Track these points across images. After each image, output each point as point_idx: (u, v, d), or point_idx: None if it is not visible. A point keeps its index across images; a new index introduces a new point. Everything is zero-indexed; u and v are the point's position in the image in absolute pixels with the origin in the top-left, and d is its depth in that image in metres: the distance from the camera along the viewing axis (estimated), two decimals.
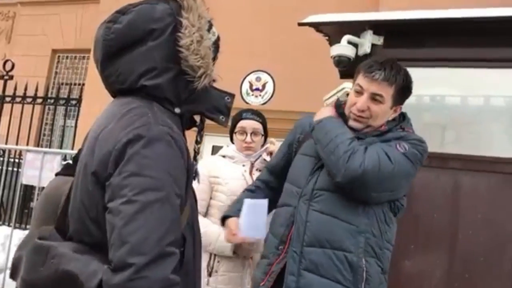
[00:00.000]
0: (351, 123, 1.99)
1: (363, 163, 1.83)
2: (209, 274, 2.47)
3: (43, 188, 3.87)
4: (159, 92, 1.28)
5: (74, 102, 7.28)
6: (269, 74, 6.72)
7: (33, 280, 1.20)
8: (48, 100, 7.43)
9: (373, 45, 3.18)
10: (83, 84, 8.25)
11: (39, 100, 7.21)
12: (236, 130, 2.68)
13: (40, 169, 4.61)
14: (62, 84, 9.22)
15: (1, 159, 6.55)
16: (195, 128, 1.42)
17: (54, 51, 10.39)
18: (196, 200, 1.40)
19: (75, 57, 10.27)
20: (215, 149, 5.85)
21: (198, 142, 1.39)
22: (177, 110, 1.32)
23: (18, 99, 7.12)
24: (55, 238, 1.27)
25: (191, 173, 1.29)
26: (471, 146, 3.04)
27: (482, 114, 3.09)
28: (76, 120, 7.39)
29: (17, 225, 5.46)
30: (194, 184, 1.34)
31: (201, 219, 2.48)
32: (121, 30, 1.27)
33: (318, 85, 5.10)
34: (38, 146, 8.57)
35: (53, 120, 7.74)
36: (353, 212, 1.89)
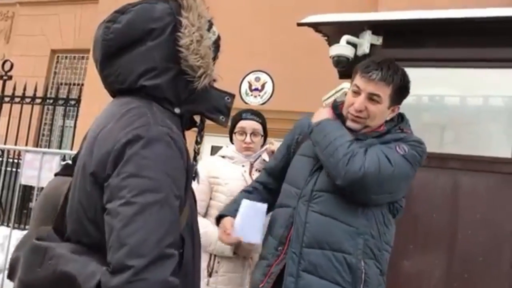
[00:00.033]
0: (349, 124, 1.99)
1: (363, 165, 1.82)
2: (209, 275, 2.46)
3: (42, 188, 3.87)
4: (158, 92, 1.27)
5: (73, 102, 7.27)
6: (268, 74, 6.72)
7: (30, 281, 1.19)
8: (47, 100, 7.42)
9: (372, 45, 3.18)
10: (82, 84, 8.25)
11: (38, 100, 7.19)
12: (235, 130, 2.67)
13: (39, 170, 4.60)
14: (61, 84, 9.20)
15: (0, 159, 6.54)
16: (194, 129, 1.41)
17: (53, 51, 10.38)
18: (195, 201, 1.39)
19: (74, 57, 10.27)
20: (214, 149, 5.85)
21: (198, 142, 1.38)
22: (176, 110, 1.31)
23: (17, 99, 7.11)
24: (52, 238, 1.26)
25: (191, 174, 1.28)
26: (470, 146, 3.04)
27: (481, 114, 3.10)
28: (75, 120, 7.39)
29: (16, 225, 5.46)
30: (194, 184, 1.34)
31: (201, 219, 2.47)
32: (120, 30, 1.26)
33: (317, 85, 5.10)
34: (37, 146, 8.56)
35: (52, 120, 7.73)
36: (352, 213, 1.89)
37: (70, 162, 1.55)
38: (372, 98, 1.93)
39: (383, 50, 3.16)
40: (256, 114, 2.71)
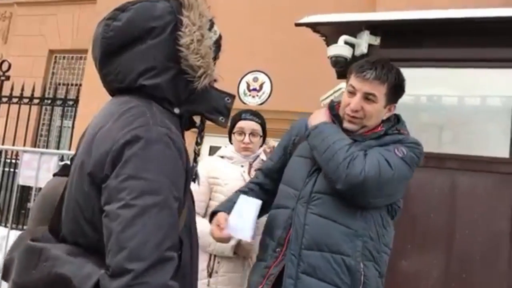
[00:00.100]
0: (346, 125, 1.98)
1: (363, 169, 1.81)
2: (209, 275, 2.46)
3: (40, 188, 3.86)
4: (158, 92, 1.26)
5: (71, 102, 7.26)
6: (266, 75, 6.72)
7: (24, 283, 1.17)
8: (45, 101, 7.41)
9: (369, 45, 3.19)
10: (80, 85, 8.24)
11: (36, 101, 7.18)
12: (234, 130, 2.67)
13: (37, 170, 4.59)
14: (59, 84, 9.18)
15: None
16: (194, 129, 1.39)
17: (51, 52, 10.37)
18: (193, 202, 1.38)
19: (72, 58, 10.26)
20: (212, 150, 5.85)
21: (198, 143, 1.37)
22: (176, 111, 1.29)
23: (15, 100, 7.09)
24: (47, 239, 1.25)
25: (190, 175, 1.27)
26: (468, 146, 3.05)
27: (479, 114, 3.11)
28: (73, 120, 7.38)
29: (13, 226, 5.44)
30: (194, 186, 1.33)
31: (200, 220, 2.48)
32: (120, 28, 1.24)
33: (315, 85, 5.11)
34: (35, 146, 8.54)
35: (50, 120, 7.71)
36: (351, 216, 1.88)
37: (68, 162, 1.54)
38: (367, 97, 1.93)
39: (381, 50, 3.17)
40: (255, 115, 2.71)
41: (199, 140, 1.37)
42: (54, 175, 1.58)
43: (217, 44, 1.36)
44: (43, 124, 9.38)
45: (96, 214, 1.15)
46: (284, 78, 6.40)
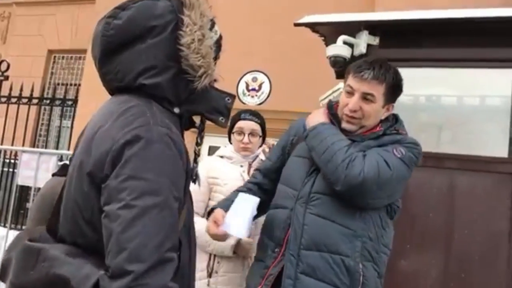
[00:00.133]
0: (344, 125, 1.98)
1: (363, 170, 1.81)
2: (209, 275, 2.45)
3: (39, 188, 3.86)
4: (158, 91, 1.25)
5: (70, 102, 7.26)
6: (265, 75, 6.72)
7: (22, 283, 1.16)
8: (44, 101, 7.40)
9: (368, 45, 3.19)
10: (79, 85, 8.24)
11: (35, 101, 7.17)
12: (234, 130, 2.67)
13: (36, 170, 4.59)
14: (58, 84, 9.18)
15: None
16: (193, 129, 1.39)
17: (50, 52, 10.37)
18: (192, 202, 1.37)
19: (71, 58, 10.26)
20: (211, 150, 5.85)
21: (198, 143, 1.36)
22: (176, 110, 1.28)
23: (13, 100, 7.09)
24: (45, 239, 1.24)
25: (190, 175, 1.26)
26: (467, 146, 3.05)
27: (478, 114, 3.11)
28: (72, 120, 7.38)
29: (12, 226, 5.44)
30: (193, 186, 1.32)
31: (199, 219, 2.47)
32: (120, 26, 1.24)
33: (314, 85, 5.11)
34: (34, 146, 8.54)
35: (49, 120, 7.70)
36: (350, 216, 1.88)
37: (67, 162, 1.54)
38: (366, 97, 1.93)
39: (379, 50, 3.17)
40: (254, 115, 2.71)
41: (199, 141, 1.36)
42: (53, 175, 1.58)
43: (218, 44, 1.35)
44: (42, 124, 9.37)
45: (95, 214, 1.15)
46: (283, 78, 6.40)
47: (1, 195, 6.71)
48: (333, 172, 1.86)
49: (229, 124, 2.63)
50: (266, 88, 6.72)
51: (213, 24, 1.33)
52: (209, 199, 2.57)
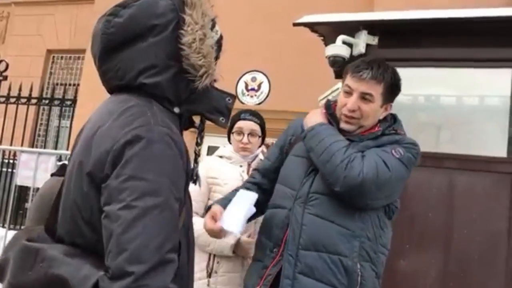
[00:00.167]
0: (343, 125, 1.98)
1: (362, 171, 1.81)
2: (209, 275, 2.45)
3: (37, 189, 3.86)
4: (158, 91, 1.24)
5: (69, 102, 7.26)
6: (264, 74, 6.72)
7: (20, 284, 1.15)
8: (43, 101, 7.40)
9: (367, 45, 3.19)
10: (78, 85, 8.23)
11: (34, 101, 7.17)
12: (233, 130, 2.67)
13: (35, 170, 4.59)
14: (57, 84, 9.18)
15: None
16: (192, 129, 1.38)
17: (49, 52, 10.36)
18: (191, 202, 1.37)
19: (70, 58, 10.26)
20: (210, 150, 5.85)
21: (198, 144, 1.35)
22: (176, 110, 1.28)
23: (12, 100, 7.08)
24: (43, 239, 1.22)
25: (189, 175, 1.26)
26: (466, 145, 3.05)
27: (477, 113, 3.11)
28: (71, 120, 7.37)
29: (11, 226, 5.43)
30: (193, 185, 1.32)
31: (199, 219, 2.47)
32: (121, 24, 1.23)
33: (313, 85, 5.11)
34: (32, 146, 8.53)
35: (47, 120, 7.69)
36: (348, 216, 1.88)
37: (66, 162, 1.54)
38: (364, 97, 1.93)
39: (378, 50, 3.17)
40: (254, 115, 2.71)
41: (199, 141, 1.35)
42: (52, 175, 1.58)
43: (218, 43, 1.34)
44: (41, 124, 9.36)
45: (95, 215, 1.14)
46: (282, 78, 6.40)
47: (0, 195, 6.70)
48: (332, 173, 1.85)
49: (228, 124, 2.63)
50: (265, 88, 6.72)
51: (214, 23, 1.32)
52: (209, 199, 2.56)
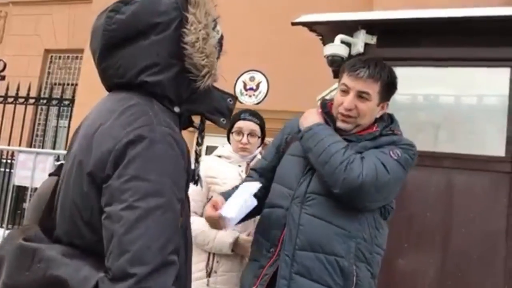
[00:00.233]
0: (339, 124, 1.97)
1: (361, 173, 1.81)
2: (208, 275, 2.45)
3: (36, 189, 3.85)
4: (159, 89, 1.22)
5: (67, 102, 7.24)
6: (263, 74, 6.72)
7: (16, 284, 1.12)
8: (41, 101, 7.38)
9: (366, 45, 3.19)
10: (76, 85, 8.22)
11: (32, 101, 7.16)
12: (233, 130, 2.67)
13: (33, 170, 4.59)
14: (55, 84, 9.17)
15: None
16: (191, 128, 1.37)
17: (47, 51, 10.34)
18: (189, 202, 1.35)
19: (68, 57, 10.24)
20: (209, 149, 5.84)
21: (199, 143, 1.34)
22: (176, 109, 1.27)
23: (10, 100, 7.07)
24: (40, 239, 1.20)
25: (190, 176, 1.25)
26: (465, 145, 3.06)
27: (476, 113, 3.11)
28: (69, 120, 7.36)
29: (9, 226, 5.42)
30: (193, 186, 1.31)
31: (198, 219, 2.47)
32: (123, 21, 1.21)
33: (312, 84, 5.11)
34: (30, 146, 8.52)
35: (45, 120, 7.70)
36: (345, 217, 1.88)
37: (64, 162, 1.53)
38: (361, 96, 1.93)
39: (377, 49, 3.17)
40: (254, 115, 2.70)
41: (199, 141, 1.35)
42: (50, 175, 1.57)
43: (219, 44, 1.33)
44: (39, 124, 9.35)
45: (95, 215, 1.12)
46: (281, 78, 6.40)
47: None
48: (331, 174, 1.85)
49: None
50: (263, 87, 6.72)
51: (215, 23, 1.31)
52: (207, 198, 2.56)
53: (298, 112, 2.15)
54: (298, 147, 2.01)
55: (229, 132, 2.71)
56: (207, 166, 2.61)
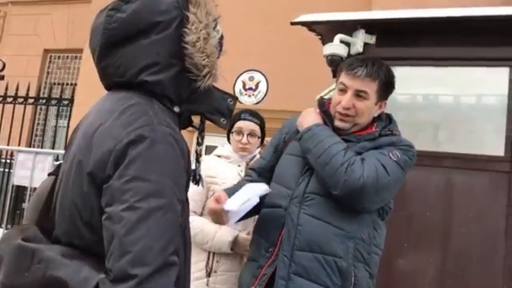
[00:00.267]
0: (337, 123, 1.97)
1: (362, 175, 1.81)
2: (208, 275, 2.45)
3: (35, 188, 3.84)
4: (159, 89, 1.22)
5: (66, 102, 7.23)
6: (262, 74, 6.72)
7: (15, 285, 1.11)
8: (40, 100, 7.38)
9: (365, 44, 3.19)
10: (75, 84, 8.22)
11: (31, 100, 7.14)
12: (233, 130, 2.67)
13: (32, 170, 4.58)
14: (54, 84, 9.15)
15: None
16: (189, 128, 1.37)
17: (46, 51, 10.33)
18: (188, 202, 1.35)
19: (67, 57, 10.23)
20: (208, 149, 5.84)
21: (199, 143, 1.34)
22: (176, 109, 1.26)
23: (9, 99, 7.06)
24: (39, 239, 1.19)
25: (190, 176, 1.24)
26: (464, 144, 3.06)
27: (475, 112, 3.11)
28: (68, 120, 7.35)
29: (8, 226, 5.42)
30: (193, 185, 1.30)
31: (197, 218, 2.47)
32: (124, 20, 1.20)
33: (311, 84, 5.10)
34: (30, 146, 8.52)
35: (45, 120, 7.70)
36: (344, 217, 1.88)
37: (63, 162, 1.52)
38: (359, 94, 1.93)
39: (376, 49, 3.17)
40: (254, 115, 2.70)
41: (199, 140, 1.34)
42: (49, 174, 1.56)
43: (220, 43, 1.33)
44: (38, 124, 9.34)
45: (95, 215, 1.12)
46: (280, 77, 6.40)
47: None
48: (331, 176, 1.84)
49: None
50: (263, 87, 6.71)
51: (216, 23, 1.30)
52: (207, 198, 2.56)
53: (298, 111, 2.14)
54: (297, 147, 2.01)
55: (229, 132, 2.71)
56: (207, 166, 2.61)
